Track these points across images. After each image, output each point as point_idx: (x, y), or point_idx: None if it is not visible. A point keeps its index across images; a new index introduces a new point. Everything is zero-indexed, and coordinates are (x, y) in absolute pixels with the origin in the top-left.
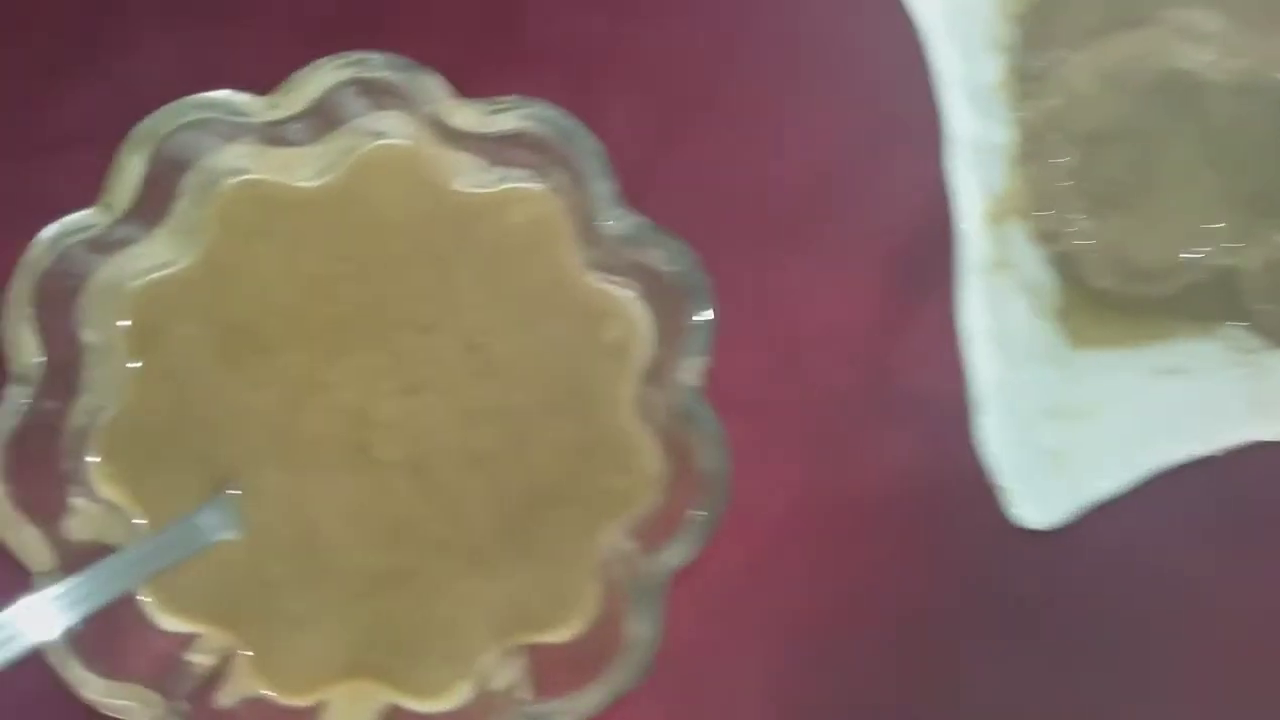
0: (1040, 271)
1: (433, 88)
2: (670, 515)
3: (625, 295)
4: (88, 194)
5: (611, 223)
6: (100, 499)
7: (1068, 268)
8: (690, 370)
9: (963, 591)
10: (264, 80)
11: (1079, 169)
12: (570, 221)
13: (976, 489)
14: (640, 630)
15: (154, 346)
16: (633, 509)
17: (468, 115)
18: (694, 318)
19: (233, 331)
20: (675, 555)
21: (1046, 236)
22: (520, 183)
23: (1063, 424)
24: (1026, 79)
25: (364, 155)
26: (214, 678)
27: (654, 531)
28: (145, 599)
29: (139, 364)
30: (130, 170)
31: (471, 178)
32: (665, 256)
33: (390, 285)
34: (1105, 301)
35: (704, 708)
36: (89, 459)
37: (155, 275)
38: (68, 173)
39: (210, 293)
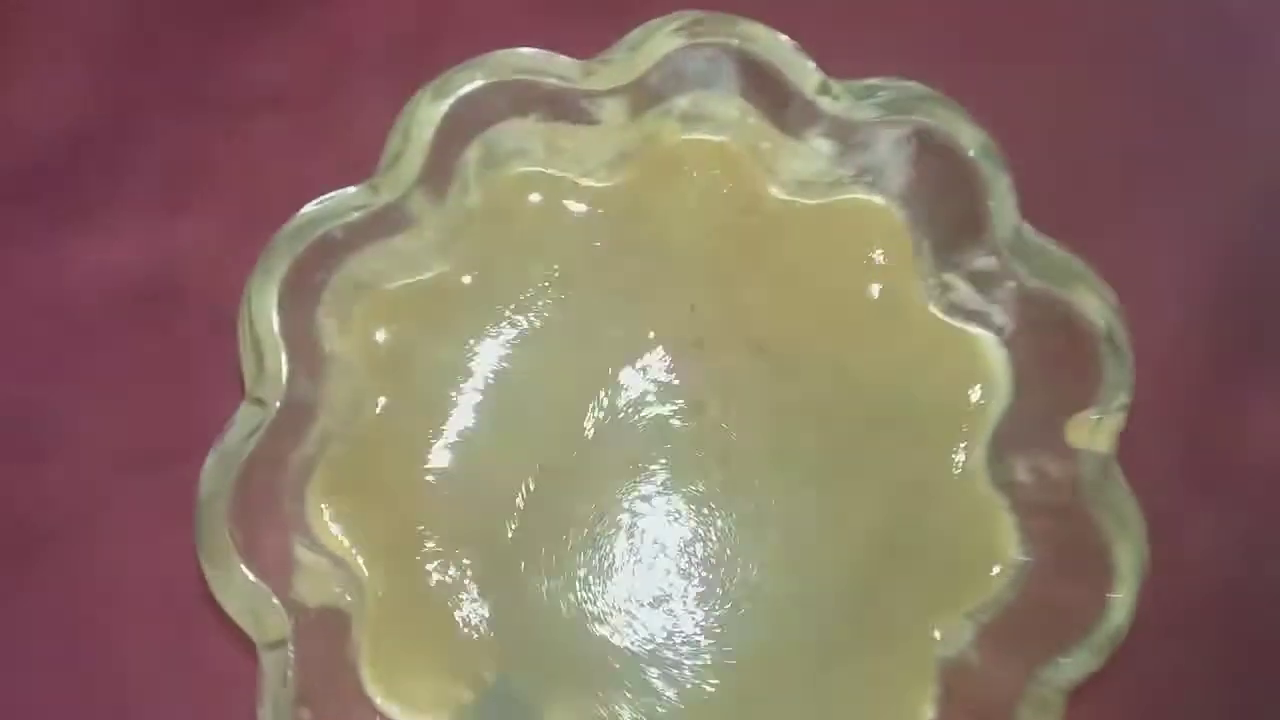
0: None
1: (801, 65)
2: (1029, 617)
3: (980, 334)
4: (291, 161)
5: (1006, 248)
6: (324, 550)
7: None
8: (1100, 433)
9: None
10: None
11: None
12: (912, 242)
13: None
14: None
15: (400, 368)
16: (983, 595)
17: (836, 100)
18: (1110, 370)
19: (488, 364)
20: (1076, 667)
21: None
22: (860, 189)
23: None
24: None
25: (667, 149)
26: None
27: (1004, 638)
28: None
29: (381, 386)
30: (422, 130)
31: (800, 186)
32: (1085, 301)
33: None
34: None
35: None
36: (313, 500)
37: (409, 279)
38: (269, 139)
39: (466, 312)
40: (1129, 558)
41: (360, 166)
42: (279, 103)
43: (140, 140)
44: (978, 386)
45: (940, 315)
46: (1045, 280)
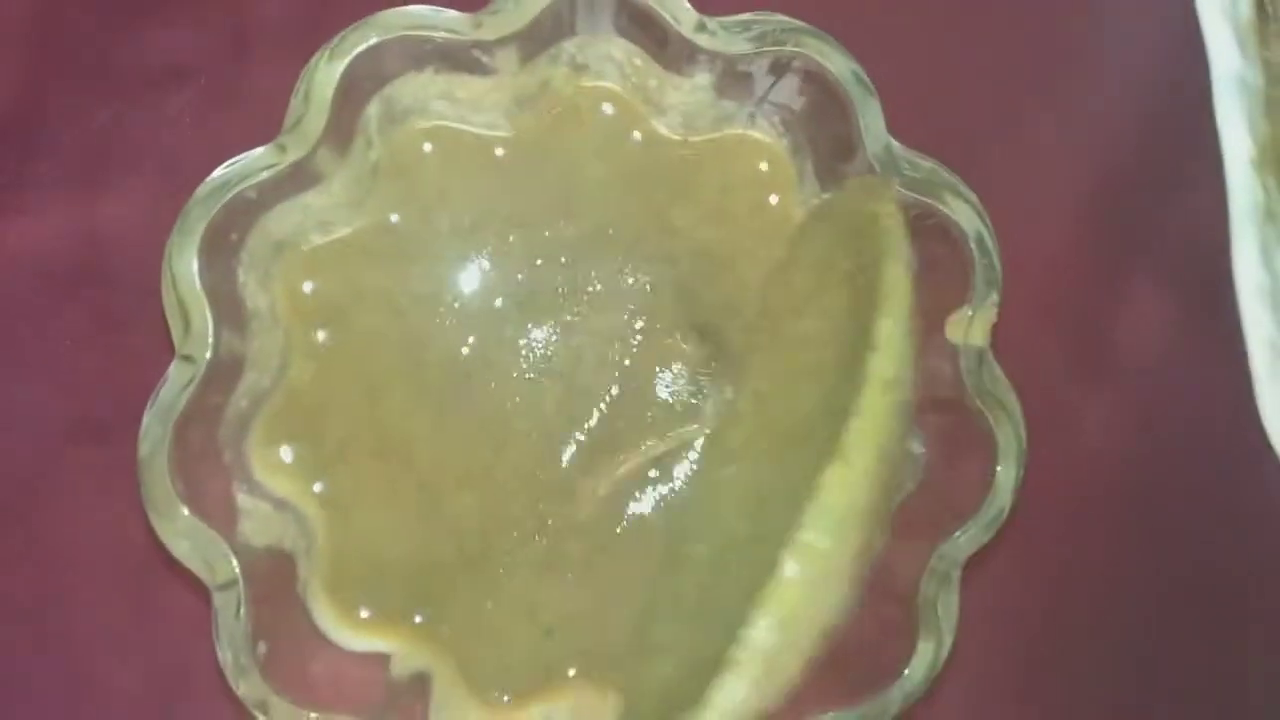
0: None
1: (677, 4)
2: (928, 504)
3: None
4: (202, 130)
5: (878, 164)
6: (266, 495)
7: None
8: (975, 328)
9: (1243, 570)
10: None
11: None
12: (795, 167)
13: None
14: (928, 638)
15: (328, 322)
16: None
17: (714, 36)
18: (980, 269)
19: (411, 315)
20: (969, 541)
21: None
22: (741, 122)
23: None
24: (1271, 19)
25: (563, 98)
26: (420, 704)
27: (908, 524)
28: (322, 616)
29: (314, 338)
30: (321, 89)
31: (685, 120)
32: (954, 207)
33: (588, 255)
34: None
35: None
36: (252, 448)
37: (325, 239)
38: (179, 109)
39: (385, 267)
40: (1009, 438)
41: (271, 129)
42: (186, 73)
43: (52, 120)
44: None
45: None
46: (916, 191)
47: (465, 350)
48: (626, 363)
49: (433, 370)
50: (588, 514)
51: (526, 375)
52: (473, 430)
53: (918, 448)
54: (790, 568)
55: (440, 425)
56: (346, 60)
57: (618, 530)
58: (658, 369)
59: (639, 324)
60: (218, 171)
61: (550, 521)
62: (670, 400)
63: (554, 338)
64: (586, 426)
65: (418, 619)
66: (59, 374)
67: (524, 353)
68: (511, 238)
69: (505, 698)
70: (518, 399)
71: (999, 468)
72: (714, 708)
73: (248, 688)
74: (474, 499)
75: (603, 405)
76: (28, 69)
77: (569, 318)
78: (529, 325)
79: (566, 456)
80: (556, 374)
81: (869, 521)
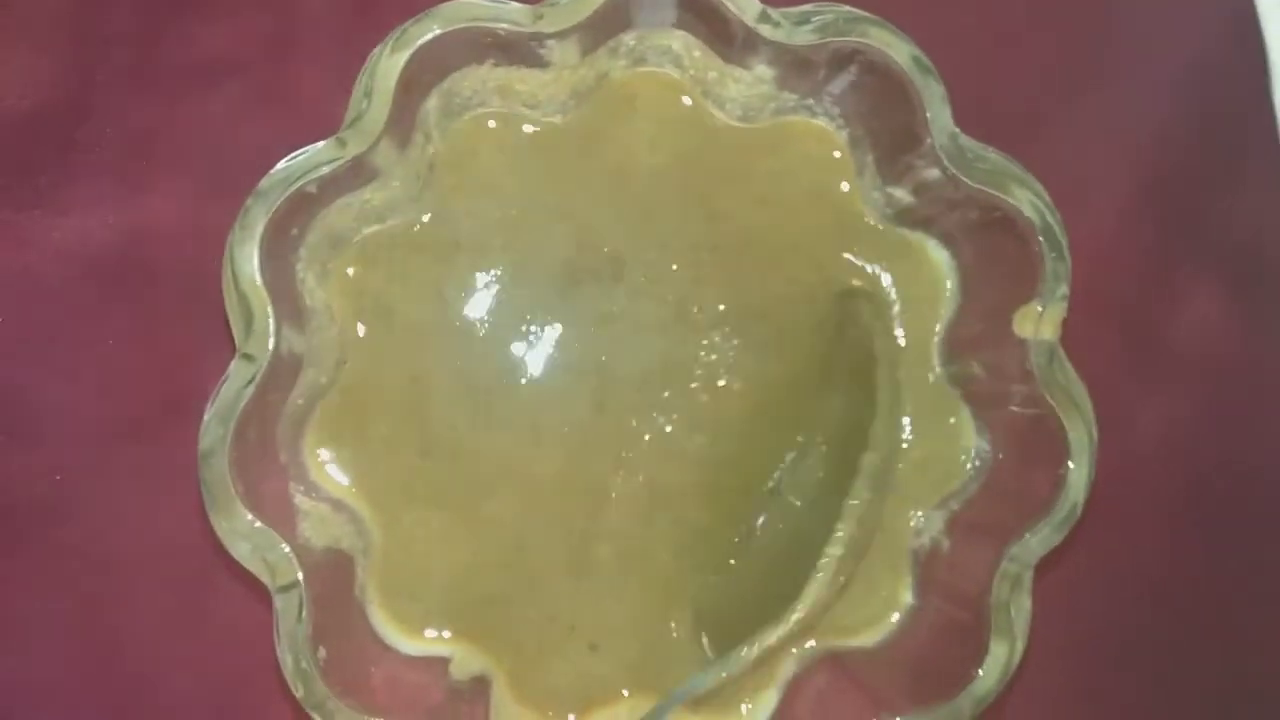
0: None
1: None
2: (994, 504)
3: (925, 240)
4: (246, 127)
5: (945, 156)
6: (323, 495)
7: None
8: (1045, 323)
9: None
10: None
11: None
12: (855, 158)
13: None
14: (1000, 641)
15: (377, 316)
16: (950, 486)
17: (777, 27)
18: (1049, 263)
19: (455, 306)
20: (1040, 543)
21: None
22: (802, 113)
23: None
24: None
25: (619, 88)
26: (480, 706)
27: (972, 523)
28: (378, 618)
29: (363, 332)
30: (384, 82)
31: (744, 113)
32: (1021, 200)
33: (633, 244)
34: None
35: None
36: (307, 447)
37: (378, 228)
38: (222, 106)
39: (432, 259)
40: (1080, 434)
41: (313, 125)
42: (229, 71)
43: (98, 118)
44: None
45: (887, 225)
46: (983, 184)
47: (506, 342)
48: (664, 352)
49: (475, 363)
50: (620, 516)
51: (565, 368)
52: (512, 425)
53: (984, 445)
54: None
55: (482, 420)
56: (409, 52)
57: (649, 531)
58: (698, 355)
59: (679, 312)
60: (279, 165)
61: (581, 523)
62: (702, 391)
63: (592, 329)
64: (621, 420)
65: (468, 623)
66: (104, 373)
67: (563, 344)
68: (558, 227)
69: (569, 716)
70: (556, 392)
71: (1071, 465)
72: (805, 598)
73: (308, 692)
74: (513, 498)
75: (638, 397)
76: (70, 66)
77: (611, 307)
78: (569, 315)
79: (599, 453)
80: (593, 366)
81: None
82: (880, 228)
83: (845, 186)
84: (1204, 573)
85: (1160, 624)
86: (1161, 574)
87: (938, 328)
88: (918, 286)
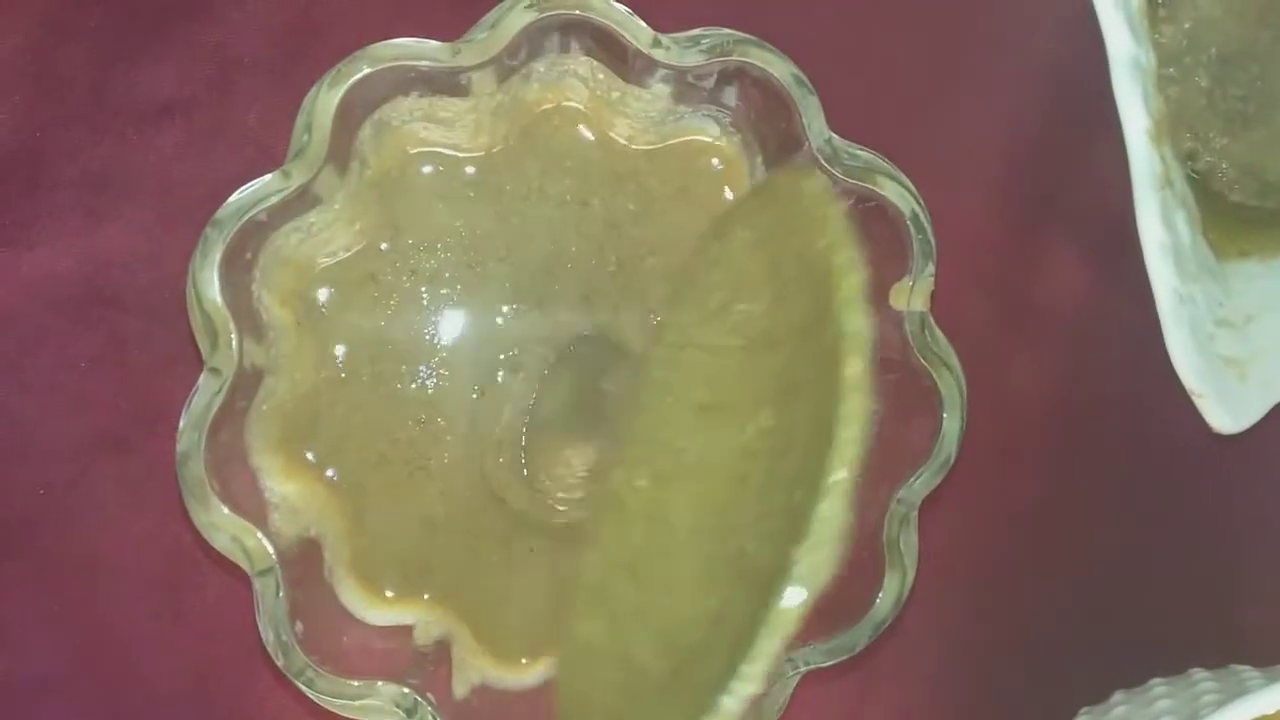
0: (1186, 189)
1: (635, 25)
2: (883, 455)
3: None
4: (195, 162)
5: (821, 157)
6: (289, 490)
7: (1206, 184)
8: (916, 295)
9: (1157, 494)
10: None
11: (1211, 90)
12: (746, 162)
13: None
14: (893, 573)
15: (327, 331)
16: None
17: (668, 50)
18: (917, 244)
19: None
20: (923, 485)
21: (1189, 155)
22: (696, 125)
23: (1230, 332)
24: (1160, 5)
25: (532, 115)
26: (444, 666)
27: (868, 474)
28: (348, 596)
29: (314, 352)
30: (322, 117)
31: (646, 126)
32: (890, 190)
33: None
34: (1241, 216)
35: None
36: (272, 449)
37: (327, 260)
38: (171, 142)
39: (380, 277)
40: (952, 392)
41: (257, 156)
42: (175, 108)
43: (57, 159)
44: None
45: None
46: (857, 179)
47: (436, 349)
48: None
49: (408, 367)
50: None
51: (488, 376)
52: (443, 423)
53: (876, 408)
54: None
55: (419, 421)
56: (343, 89)
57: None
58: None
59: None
60: (233, 197)
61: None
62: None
63: (508, 352)
64: (533, 434)
65: (429, 594)
66: (78, 393)
67: (483, 357)
68: (474, 253)
69: (522, 659)
70: (477, 399)
71: (945, 417)
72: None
73: (288, 661)
74: (456, 482)
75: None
76: (26, 111)
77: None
78: (484, 333)
79: (519, 462)
80: (509, 379)
81: None
82: None
83: (741, 187)
84: (1070, 498)
85: (1034, 546)
86: (1033, 501)
87: None
88: None
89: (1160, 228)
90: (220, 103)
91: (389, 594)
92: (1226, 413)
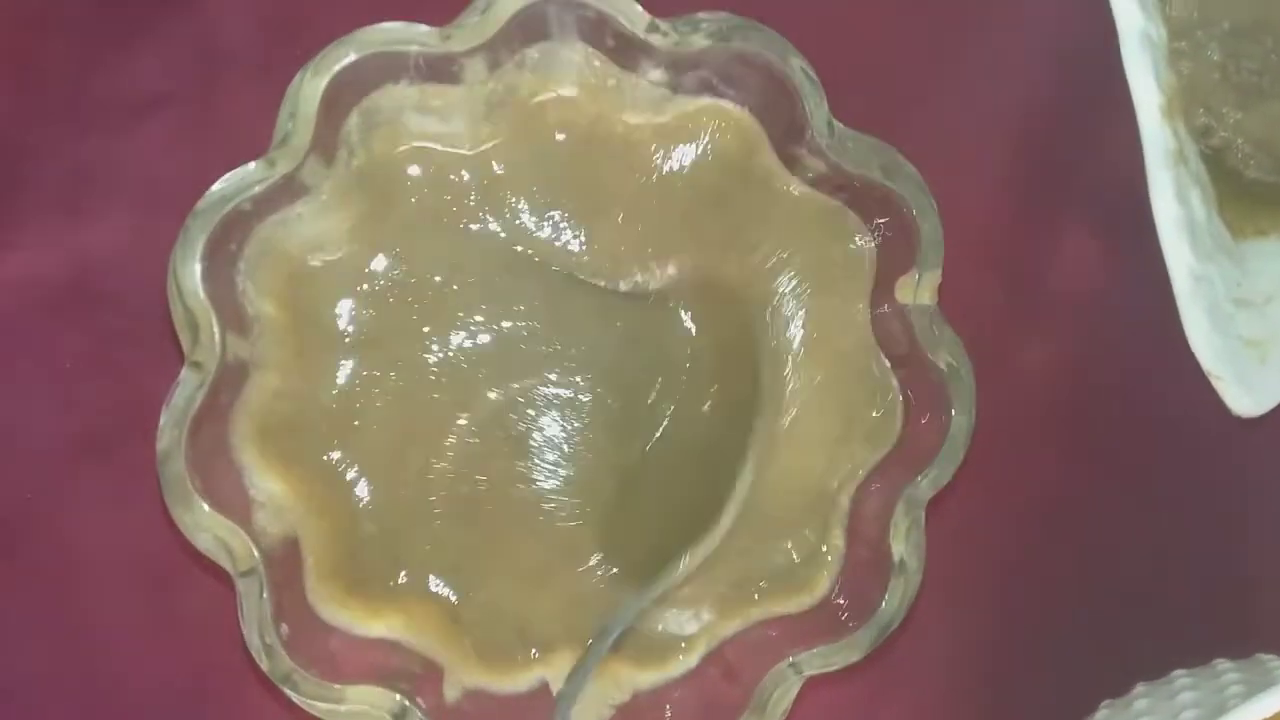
0: (1200, 166)
1: (630, 9)
2: (895, 451)
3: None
4: (179, 154)
5: (824, 142)
6: (273, 489)
7: (1221, 161)
8: (923, 289)
9: (1175, 480)
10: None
11: (1224, 63)
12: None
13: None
14: (898, 575)
15: (311, 323)
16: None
17: (665, 36)
18: (921, 233)
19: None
20: (930, 484)
21: (1203, 131)
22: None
23: (1249, 313)
24: None
25: (528, 106)
26: (435, 670)
27: (883, 473)
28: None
29: (302, 346)
30: (307, 105)
31: (647, 111)
32: (896, 180)
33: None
34: (1258, 193)
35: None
36: (256, 447)
37: (315, 260)
38: (155, 135)
39: (368, 272)
40: (961, 389)
41: (243, 148)
42: (159, 101)
43: (39, 155)
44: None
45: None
46: (860, 166)
47: (430, 348)
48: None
49: (399, 364)
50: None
51: (482, 376)
52: (438, 423)
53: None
54: None
55: (411, 419)
56: (328, 76)
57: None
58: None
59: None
60: (215, 186)
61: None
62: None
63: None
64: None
65: (410, 602)
66: (61, 393)
67: (472, 346)
68: (472, 253)
69: (513, 665)
70: (471, 398)
71: (954, 413)
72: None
73: (273, 665)
74: (449, 483)
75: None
76: (6, 107)
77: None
78: (479, 335)
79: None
80: (492, 366)
81: None
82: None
83: (762, 156)
84: (1086, 486)
85: (1051, 535)
86: (1048, 490)
87: (860, 305)
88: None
89: (1175, 205)
90: (205, 96)
91: (365, 603)
92: (1246, 394)
